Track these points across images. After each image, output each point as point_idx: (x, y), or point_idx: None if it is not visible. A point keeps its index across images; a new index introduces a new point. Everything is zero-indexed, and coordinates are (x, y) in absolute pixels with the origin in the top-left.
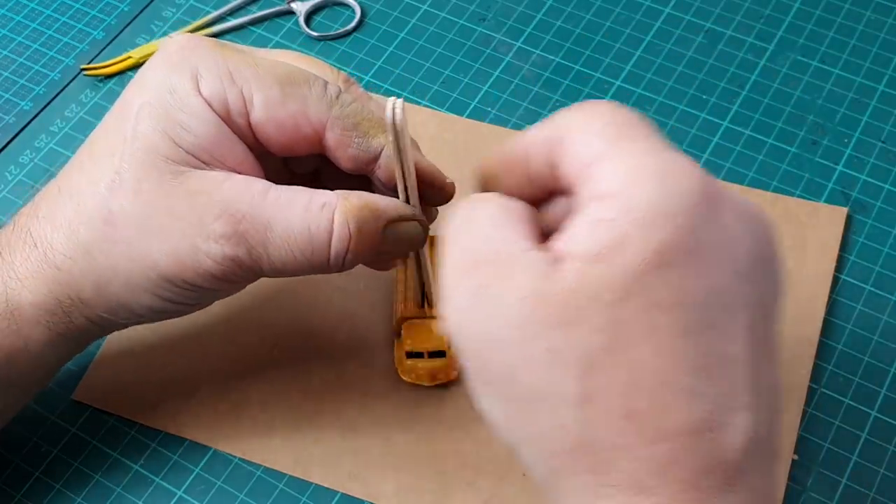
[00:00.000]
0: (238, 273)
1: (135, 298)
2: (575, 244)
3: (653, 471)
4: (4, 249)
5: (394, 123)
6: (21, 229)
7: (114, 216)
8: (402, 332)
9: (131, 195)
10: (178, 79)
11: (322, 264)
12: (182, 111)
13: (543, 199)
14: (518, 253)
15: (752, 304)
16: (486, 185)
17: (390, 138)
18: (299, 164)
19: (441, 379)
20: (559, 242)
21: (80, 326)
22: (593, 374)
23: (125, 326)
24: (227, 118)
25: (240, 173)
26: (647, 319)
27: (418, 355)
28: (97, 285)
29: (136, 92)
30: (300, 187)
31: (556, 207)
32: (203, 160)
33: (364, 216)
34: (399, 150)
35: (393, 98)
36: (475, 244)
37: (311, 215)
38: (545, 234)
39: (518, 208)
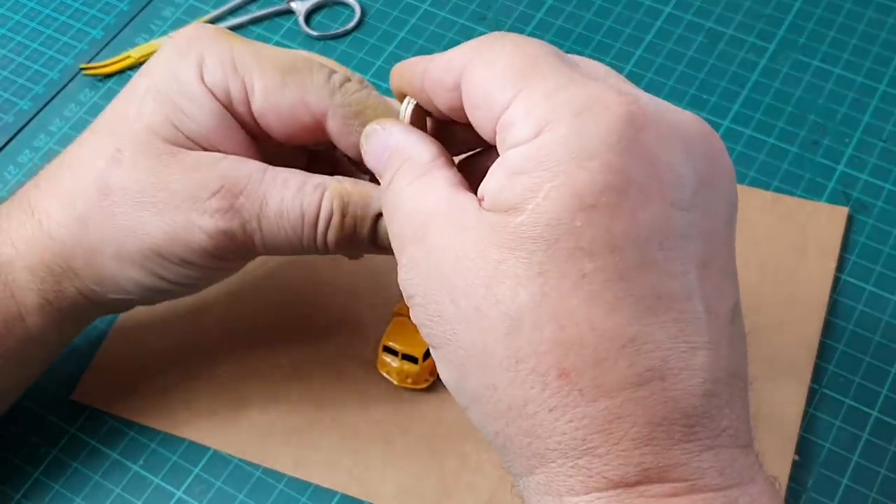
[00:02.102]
0: (230, 248)
1: (123, 272)
2: (497, 194)
3: (595, 430)
4: (3, 218)
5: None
6: (20, 199)
7: (110, 188)
8: (391, 326)
9: (129, 170)
10: (184, 66)
11: (311, 243)
12: (184, 97)
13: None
14: (442, 209)
15: (697, 232)
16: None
17: None
18: (319, 164)
19: (408, 384)
20: (484, 188)
21: (71, 298)
22: (520, 332)
23: (117, 306)
24: (229, 106)
25: None
26: (574, 267)
27: (393, 352)
28: (88, 255)
29: (144, 76)
30: (297, 170)
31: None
32: (202, 146)
33: (353, 199)
34: None
35: (408, 98)
36: (407, 212)
37: (304, 194)
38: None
39: (434, 165)
